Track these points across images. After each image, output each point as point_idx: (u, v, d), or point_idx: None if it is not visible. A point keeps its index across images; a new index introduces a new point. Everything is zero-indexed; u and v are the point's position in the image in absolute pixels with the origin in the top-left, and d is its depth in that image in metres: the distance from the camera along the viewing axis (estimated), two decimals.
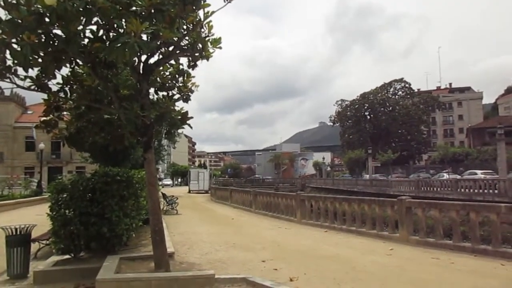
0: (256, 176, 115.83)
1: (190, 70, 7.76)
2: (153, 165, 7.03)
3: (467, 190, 28.97)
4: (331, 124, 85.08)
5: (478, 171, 39.45)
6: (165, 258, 6.99)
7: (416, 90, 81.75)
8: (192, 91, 8.11)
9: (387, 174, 58.10)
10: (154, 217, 6.95)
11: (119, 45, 5.14)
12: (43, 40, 5.55)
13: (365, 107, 76.76)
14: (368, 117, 77.60)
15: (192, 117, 7.95)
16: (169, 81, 8.04)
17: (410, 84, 78.17)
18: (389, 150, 61.01)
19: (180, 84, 8.03)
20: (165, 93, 8.09)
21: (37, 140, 42.91)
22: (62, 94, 7.24)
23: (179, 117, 7.79)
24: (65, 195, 7.74)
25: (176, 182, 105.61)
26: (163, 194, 21.35)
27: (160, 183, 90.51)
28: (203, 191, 48.26)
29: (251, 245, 10.02)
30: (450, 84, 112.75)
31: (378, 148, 66.58)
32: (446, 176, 41.97)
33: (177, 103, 8.09)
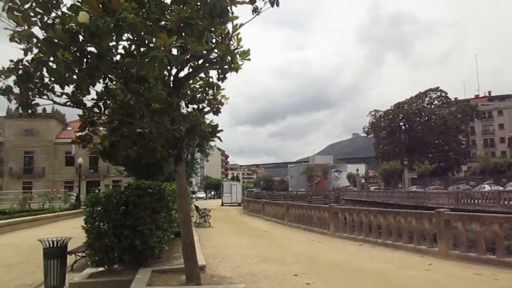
0: (290, 188, 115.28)
1: (219, 83, 7.81)
2: (184, 177, 7.06)
3: (511, 202, 27.61)
4: (365, 135, 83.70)
5: None
6: (196, 271, 6.96)
7: (453, 99, 79.30)
8: (222, 104, 8.16)
9: (424, 185, 56.27)
10: (185, 230, 6.96)
11: (148, 59, 5.24)
12: (77, 57, 5.74)
13: (400, 117, 75.01)
14: (403, 127, 75.76)
15: (222, 130, 7.97)
16: (199, 94, 8.13)
17: (446, 93, 75.98)
18: (426, 161, 59.15)
19: (210, 97, 8.10)
20: (195, 106, 8.18)
21: (76, 155, 44.54)
22: (96, 110, 7.45)
23: (210, 129, 7.84)
24: (99, 208, 7.89)
25: (209, 195, 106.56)
26: (196, 207, 21.54)
27: (194, 196, 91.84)
28: (236, 204, 48.35)
29: (283, 258, 9.86)
30: (489, 92, 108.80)
31: (414, 159, 64.78)
32: (487, 187, 40.19)
33: (208, 116, 8.18)
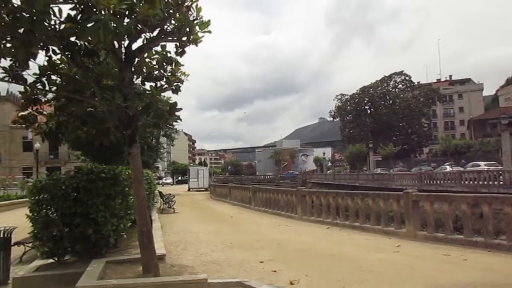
0: (257, 173, 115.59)
1: (178, 58, 7.18)
2: (139, 160, 6.44)
3: (471, 182, 28.40)
4: (331, 119, 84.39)
5: (481, 163, 38.79)
6: (154, 262, 6.42)
7: (416, 83, 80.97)
8: (182, 81, 7.52)
9: (388, 168, 57.46)
10: (141, 217, 6.38)
11: (91, 24, 4.57)
12: (8, 21, 4.99)
13: (365, 101, 75.95)
14: (369, 111, 76.83)
15: (181, 109, 7.37)
16: (157, 71, 7.44)
17: (410, 77, 77.44)
18: (390, 144, 60.31)
19: (169, 74, 7.44)
20: (152, 84, 7.50)
21: (33, 140, 42.38)
22: (39, 86, 6.67)
23: (167, 108, 7.21)
24: (45, 195, 7.15)
25: (176, 180, 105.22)
26: (160, 193, 20.83)
27: (160, 181, 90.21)
28: (203, 189, 47.70)
29: (250, 244, 9.45)
30: (450, 76, 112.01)
31: (379, 142, 65.96)
32: (448, 168, 41.36)
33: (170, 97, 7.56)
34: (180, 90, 7.59)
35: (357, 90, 77.52)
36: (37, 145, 34.57)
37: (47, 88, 6.73)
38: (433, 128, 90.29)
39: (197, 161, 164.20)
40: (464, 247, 8.38)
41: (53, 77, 6.81)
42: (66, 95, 6.79)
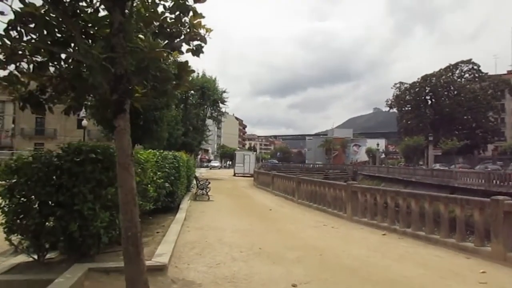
0: (307, 161, 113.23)
1: (196, 6, 5.28)
2: (127, 138, 4.63)
3: None
4: (388, 108, 79.63)
5: None
6: (142, 279, 4.64)
7: (485, 73, 74.03)
8: (204, 40, 5.57)
9: (448, 164, 52.94)
10: (125, 217, 4.58)
11: None
12: None
13: (427, 91, 70.52)
14: (429, 101, 71.36)
15: (193, 71, 5.46)
16: (172, 26, 5.54)
17: (479, 66, 70.77)
18: (454, 138, 55.33)
19: (187, 29, 5.52)
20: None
21: (85, 117, 42.72)
22: (15, 34, 5.01)
23: (175, 69, 5.32)
24: (20, 178, 5.58)
25: (224, 165, 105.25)
26: (196, 177, 19.33)
27: (209, 164, 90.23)
28: (249, 175, 46.19)
29: (283, 252, 7.48)
30: None
31: (439, 135, 61.02)
32: None
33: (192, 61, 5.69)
34: (202, 52, 5.66)
35: (418, 79, 72.18)
36: (84, 122, 34.46)
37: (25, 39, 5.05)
38: (500, 124, 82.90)
39: (247, 146, 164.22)
40: None
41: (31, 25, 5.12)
42: (43, 46, 5.08)
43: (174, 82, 5.58)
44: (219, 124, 45.45)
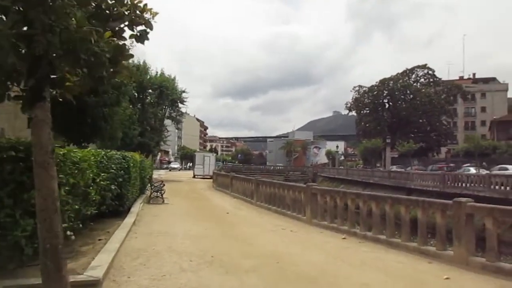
0: (268, 163, 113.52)
1: None
2: (46, 130, 3.88)
3: (502, 187, 25.38)
4: (347, 111, 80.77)
5: (510, 166, 35.61)
6: None
7: (439, 79, 76.74)
8: (150, 25, 4.85)
9: (404, 166, 54.29)
10: (43, 226, 3.84)
11: None
12: None
13: (384, 94, 72.16)
14: (387, 105, 73.10)
15: (132, 55, 4.75)
16: (111, 7, 4.78)
17: (433, 71, 73.28)
18: (411, 141, 56.82)
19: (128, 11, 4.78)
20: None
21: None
22: None
23: (109, 51, 4.58)
24: None
25: (185, 166, 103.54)
26: (150, 179, 18.39)
27: (168, 166, 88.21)
28: (208, 177, 45.27)
29: (238, 260, 6.87)
30: (474, 74, 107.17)
31: (396, 138, 62.53)
32: (472, 170, 38.20)
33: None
34: (147, 38, 4.93)
35: (376, 82, 73.82)
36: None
37: None
38: (453, 127, 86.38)
39: (208, 148, 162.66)
40: None
41: None
42: None
43: (112, 69, 4.84)
44: (178, 124, 44.22)
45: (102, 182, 8.42)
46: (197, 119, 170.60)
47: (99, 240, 7.55)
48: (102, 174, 8.56)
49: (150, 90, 36.44)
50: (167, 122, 42.30)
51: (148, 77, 35.80)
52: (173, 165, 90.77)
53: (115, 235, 7.89)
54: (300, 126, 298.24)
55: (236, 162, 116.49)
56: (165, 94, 36.60)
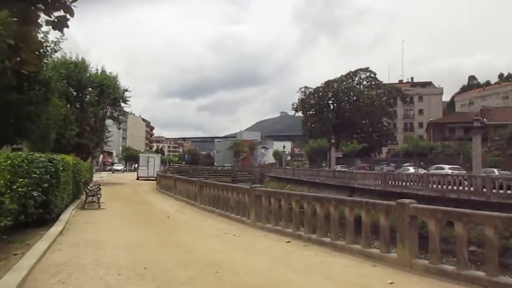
0: (215, 163, 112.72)
1: None
2: None
3: (439, 186, 26.55)
4: (294, 112, 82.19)
5: (445, 166, 37.48)
6: None
7: (380, 81, 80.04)
8: (69, 11, 4.14)
9: (348, 165, 55.82)
10: None
11: None
12: None
13: (329, 96, 74.08)
14: (332, 106, 75.07)
15: (40, 43, 4.08)
16: None
17: (375, 74, 76.38)
18: (354, 141, 58.62)
19: None
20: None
21: None
22: None
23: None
24: None
25: (130, 168, 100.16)
26: (84, 183, 17.19)
27: (112, 168, 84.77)
28: (153, 178, 43.79)
29: (173, 271, 6.29)
30: (412, 78, 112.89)
31: (341, 138, 64.28)
32: (412, 169, 39.85)
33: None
34: (67, 26, 4.21)
35: (321, 84, 75.55)
36: None
37: None
38: (393, 128, 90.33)
39: (154, 148, 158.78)
40: None
41: None
42: None
43: (18, 59, 4.11)
44: (121, 124, 42.30)
45: (20, 189, 7.48)
46: (143, 119, 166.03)
47: (14, 255, 6.66)
48: (21, 179, 7.62)
49: (90, 89, 34.54)
50: (109, 122, 40.39)
51: (88, 74, 33.92)
52: (116, 166, 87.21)
53: (35, 247, 7.02)
54: (248, 126, 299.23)
55: (183, 163, 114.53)
56: (106, 93, 34.84)
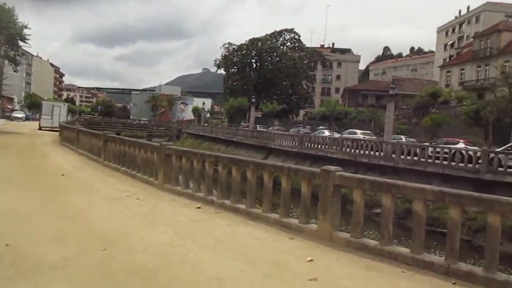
0: (131, 117, 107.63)
1: None
2: None
3: (352, 150, 27.28)
4: (216, 68, 79.83)
5: (358, 131, 38.92)
6: None
7: (303, 44, 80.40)
8: None
9: (267, 126, 55.99)
10: None
11: None
12: None
13: (253, 54, 72.75)
14: (254, 65, 74.00)
15: None
16: None
17: (299, 36, 76.34)
18: (274, 102, 58.64)
19: None
20: None
21: None
22: None
23: None
24: None
25: (33, 116, 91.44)
26: None
27: (10, 115, 76.48)
28: (57, 129, 39.91)
29: (47, 249, 4.94)
30: (333, 44, 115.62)
31: (261, 98, 63.99)
32: (327, 133, 40.82)
33: None
34: None
35: (245, 41, 73.80)
36: None
37: None
38: (312, 92, 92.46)
39: (64, 97, 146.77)
40: (410, 267, 5.17)
41: None
42: None
43: None
44: (17, 66, 37.14)
45: None
46: (51, 64, 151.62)
47: None
48: None
49: None
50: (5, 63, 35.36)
51: None
52: (16, 114, 78.85)
53: None
54: (168, 80, 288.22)
55: (96, 114, 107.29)
56: None
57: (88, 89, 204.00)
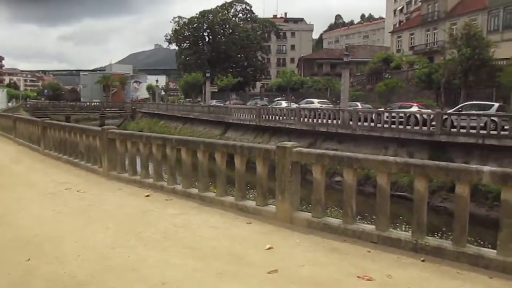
0: (82, 99, 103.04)
1: None
2: None
3: (310, 120, 27.11)
4: (167, 44, 77.13)
5: (315, 100, 38.85)
6: None
7: (256, 15, 78.94)
8: None
9: (223, 100, 55.03)
10: None
11: None
12: None
13: (204, 27, 70.70)
14: (207, 38, 72.07)
15: None
16: None
17: (251, 6, 74.75)
18: (229, 75, 57.55)
19: None
20: None
21: None
22: None
23: None
24: None
25: None
26: None
27: None
28: None
29: None
30: (286, 13, 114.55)
31: (216, 72, 62.61)
32: (284, 104, 40.53)
33: None
34: None
35: (196, 14, 71.42)
36: None
37: None
38: (267, 63, 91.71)
39: (6, 82, 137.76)
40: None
41: None
42: None
43: None
44: None
45: None
46: None
47: None
48: None
49: None
50: None
51: None
52: None
53: None
54: (120, 59, 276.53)
55: (43, 99, 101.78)
56: None
57: (33, 72, 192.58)
